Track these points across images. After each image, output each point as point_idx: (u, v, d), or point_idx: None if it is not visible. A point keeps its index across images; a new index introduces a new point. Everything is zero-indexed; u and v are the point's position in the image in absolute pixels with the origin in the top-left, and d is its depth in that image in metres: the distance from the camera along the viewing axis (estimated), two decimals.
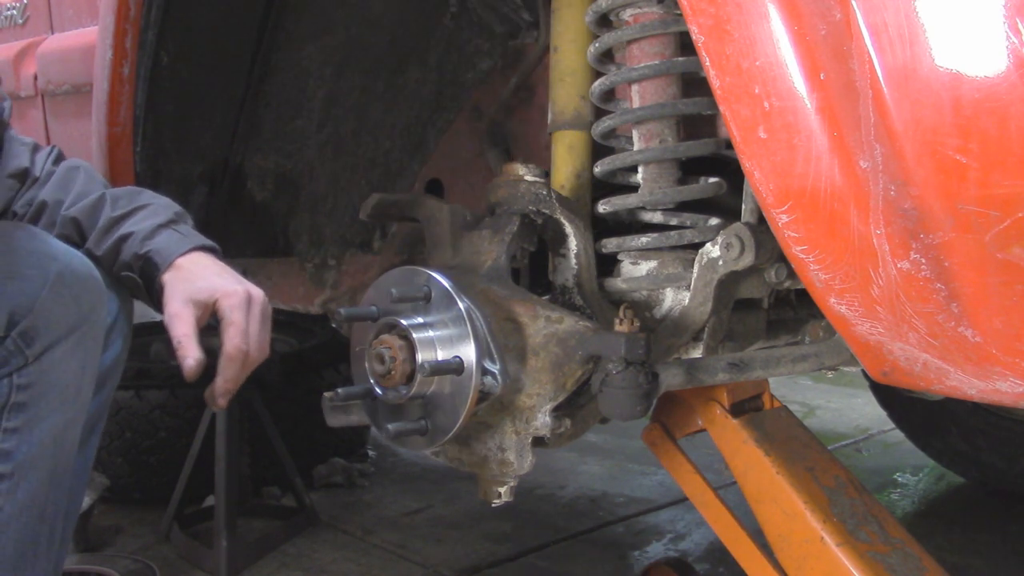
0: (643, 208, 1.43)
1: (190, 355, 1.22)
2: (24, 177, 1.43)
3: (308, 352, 3.11)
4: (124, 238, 1.36)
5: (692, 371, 1.28)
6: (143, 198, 1.41)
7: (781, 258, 1.31)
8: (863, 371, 1.17)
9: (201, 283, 1.30)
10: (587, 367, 1.22)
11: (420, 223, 1.44)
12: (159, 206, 1.40)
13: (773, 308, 1.52)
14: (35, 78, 2.51)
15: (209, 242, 1.40)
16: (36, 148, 1.50)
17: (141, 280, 1.31)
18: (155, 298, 1.29)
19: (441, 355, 1.21)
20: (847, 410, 3.92)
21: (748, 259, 1.26)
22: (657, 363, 1.25)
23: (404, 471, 3.16)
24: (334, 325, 1.40)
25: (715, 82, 1.05)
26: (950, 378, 1.02)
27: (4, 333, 1.07)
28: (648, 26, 1.33)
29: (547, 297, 1.35)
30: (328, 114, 1.82)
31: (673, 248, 1.40)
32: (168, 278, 1.32)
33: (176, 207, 1.43)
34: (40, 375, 1.09)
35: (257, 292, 1.31)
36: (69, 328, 1.11)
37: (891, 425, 3.09)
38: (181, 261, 1.33)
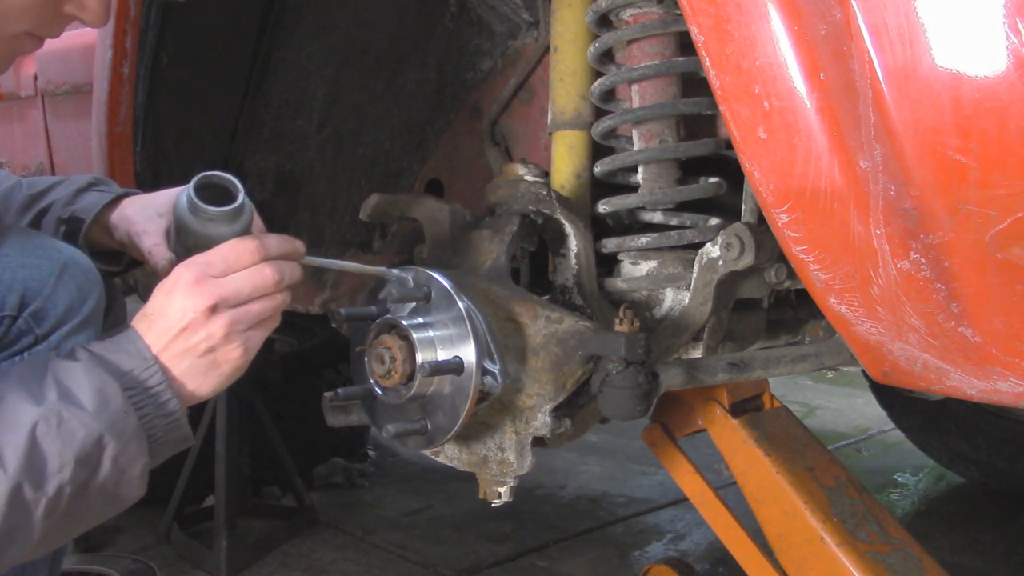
0: (643, 208, 1.43)
1: (161, 258, 1.28)
2: None
3: (308, 352, 3.11)
4: (44, 211, 1.42)
5: (692, 371, 1.28)
6: (60, 178, 1.47)
7: (781, 258, 1.31)
8: (863, 371, 1.17)
9: (157, 199, 1.36)
10: (587, 367, 1.22)
11: (420, 223, 1.44)
12: (76, 177, 1.46)
13: (773, 308, 1.52)
14: (35, 78, 2.51)
15: (132, 189, 1.44)
16: None
17: (67, 241, 1.33)
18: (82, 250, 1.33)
19: (441, 355, 1.21)
20: (847, 410, 3.92)
21: (748, 259, 1.26)
22: (657, 363, 1.25)
23: (404, 471, 3.16)
24: (334, 325, 1.40)
25: (715, 82, 1.05)
26: (950, 378, 1.02)
27: (16, 313, 1.13)
28: (648, 26, 1.33)
29: (547, 297, 1.35)
30: (328, 114, 1.82)
31: (673, 248, 1.40)
32: (116, 217, 1.37)
33: (96, 175, 1.48)
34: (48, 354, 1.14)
35: None
36: (73, 312, 1.16)
37: (891, 425, 3.09)
38: (119, 205, 1.38)
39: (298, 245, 1.16)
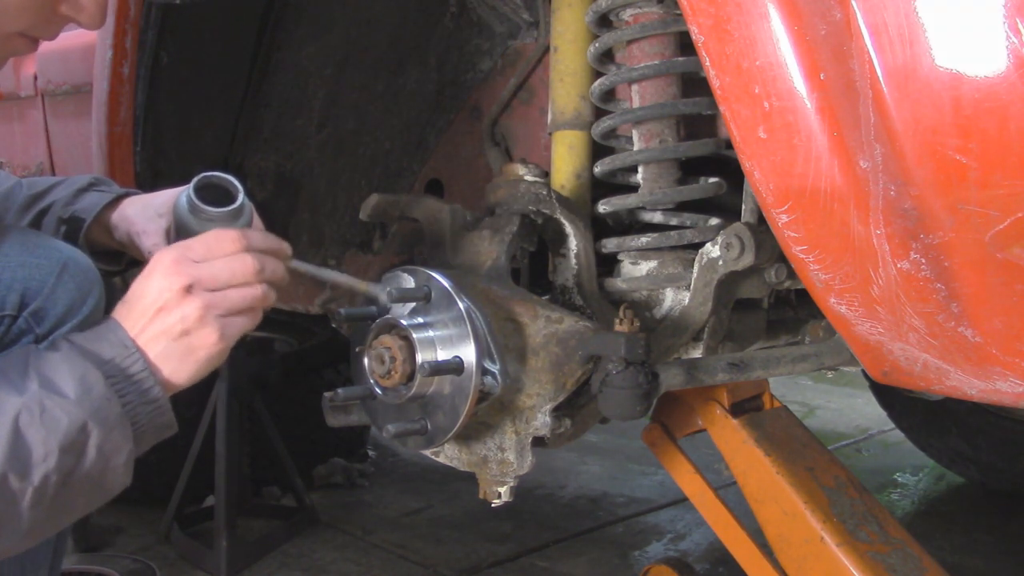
0: (643, 208, 1.43)
1: None
2: None
3: (308, 352, 3.11)
4: (44, 211, 1.42)
5: (692, 371, 1.28)
6: (60, 179, 1.48)
7: (781, 258, 1.31)
8: (863, 371, 1.17)
9: (157, 199, 1.36)
10: (587, 367, 1.22)
11: (420, 223, 1.44)
12: (77, 177, 1.46)
13: (773, 308, 1.52)
14: (35, 78, 2.51)
15: (132, 189, 1.44)
16: None
17: (67, 241, 1.34)
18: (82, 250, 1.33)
19: (441, 355, 1.21)
20: (847, 410, 3.92)
21: (748, 259, 1.26)
22: (657, 363, 1.25)
23: (404, 471, 3.16)
24: (334, 325, 1.40)
25: (715, 82, 1.05)
26: (950, 378, 1.02)
27: (16, 312, 1.13)
28: (648, 26, 1.33)
29: (547, 297, 1.35)
30: (328, 114, 1.82)
31: (673, 248, 1.40)
32: (116, 218, 1.37)
33: (96, 175, 1.48)
34: None
35: None
36: (73, 312, 1.16)
37: (891, 425, 3.09)
38: (120, 205, 1.38)
39: (284, 245, 1.16)
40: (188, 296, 1.05)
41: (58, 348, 1.03)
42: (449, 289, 1.21)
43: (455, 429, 1.21)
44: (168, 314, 1.05)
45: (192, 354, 1.07)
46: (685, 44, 1.35)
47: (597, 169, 1.44)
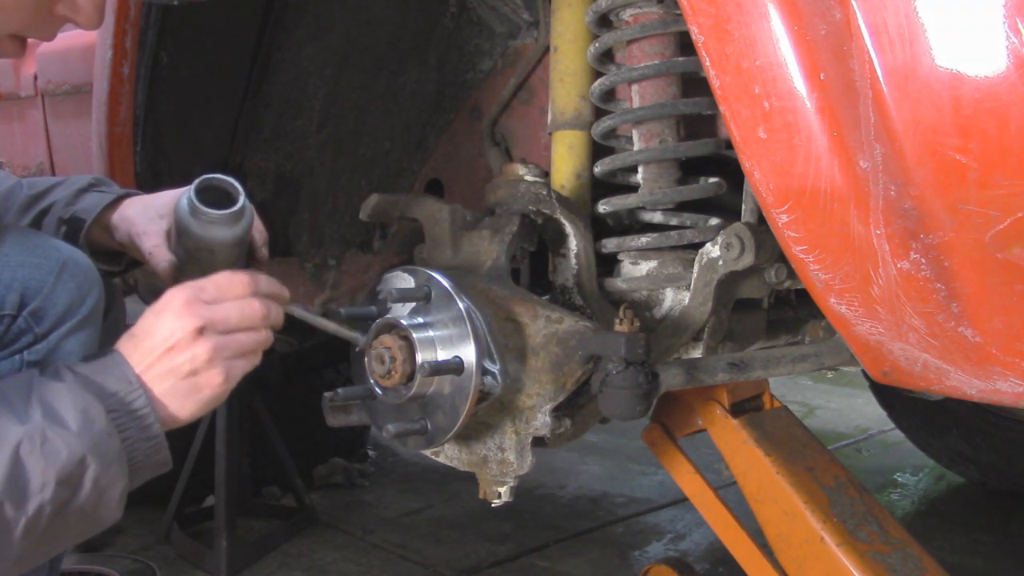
0: (643, 208, 1.43)
1: (162, 260, 1.30)
2: None
3: (308, 352, 3.11)
4: (44, 211, 1.43)
5: (692, 371, 1.28)
6: (60, 179, 1.48)
7: (781, 258, 1.31)
8: (863, 371, 1.17)
9: (158, 200, 1.36)
10: (587, 367, 1.22)
11: (420, 223, 1.44)
12: (77, 177, 1.47)
13: (773, 308, 1.52)
14: (35, 78, 2.51)
15: (133, 190, 1.45)
16: None
17: (67, 241, 1.34)
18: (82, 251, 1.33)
19: (441, 355, 1.21)
20: (847, 410, 3.92)
21: (748, 259, 1.26)
22: (657, 363, 1.25)
23: (404, 471, 3.16)
24: None
25: (715, 82, 1.05)
26: (950, 378, 1.02)
27: (16, 312, 1.14)
28: (648, 26, 1.33)
29: (547, 297, 1.35)
30: (328, 114, 1.82)
31: (673, 248, 1.40)
32: (117, 218, 1.38)
33: (96, 175, 1.49)
34: (48, 353, 1.15)
35: None
36: (72, 311, 1.17)
37: (891, 425, 3.09)
38: (120, 206, 1.39)
39: (285, 291, 1.18)
40: (200, 338, 1.07)
41: (62, 377, 1.03)
42: (449, 289, 1.21)
43: (455, 429, 1.21)
44: (178, 354, 1.06)
45: (197, 393, 1.08)
46: (685, 44, 1.35)
47: (597, 169, 1.44)
